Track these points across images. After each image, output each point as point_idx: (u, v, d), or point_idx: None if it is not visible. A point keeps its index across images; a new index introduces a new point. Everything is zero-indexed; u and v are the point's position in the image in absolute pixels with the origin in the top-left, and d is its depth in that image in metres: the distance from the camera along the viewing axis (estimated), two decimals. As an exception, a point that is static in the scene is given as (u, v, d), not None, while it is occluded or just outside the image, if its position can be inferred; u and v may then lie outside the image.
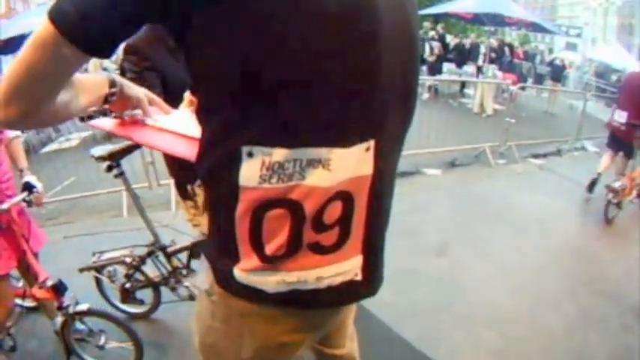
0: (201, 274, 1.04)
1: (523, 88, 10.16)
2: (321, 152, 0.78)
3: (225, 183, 0.81)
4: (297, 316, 0.95)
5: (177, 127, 1.02)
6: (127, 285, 2.56)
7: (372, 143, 0.83)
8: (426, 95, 11.40)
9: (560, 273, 3.53)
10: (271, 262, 0.84)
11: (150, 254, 2.49)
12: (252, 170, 0.77)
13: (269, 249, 0.83)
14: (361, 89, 0.79)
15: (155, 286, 2.63)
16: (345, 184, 0.82)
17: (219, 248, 0.91)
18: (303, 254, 0.85)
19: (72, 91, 0.84)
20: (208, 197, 0.90)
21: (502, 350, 2.63)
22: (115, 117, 1.10)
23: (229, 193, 0.81)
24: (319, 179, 0.79)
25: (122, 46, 2.19)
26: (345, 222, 0.86)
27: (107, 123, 1.12)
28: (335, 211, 0.84)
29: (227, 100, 0.76)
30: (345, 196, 0.83)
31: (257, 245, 0.83)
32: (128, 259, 2.49)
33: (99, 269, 2.54)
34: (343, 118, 0.79)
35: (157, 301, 2.72)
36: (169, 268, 2.54)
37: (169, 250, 2.49)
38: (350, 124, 0.80)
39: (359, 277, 0.93)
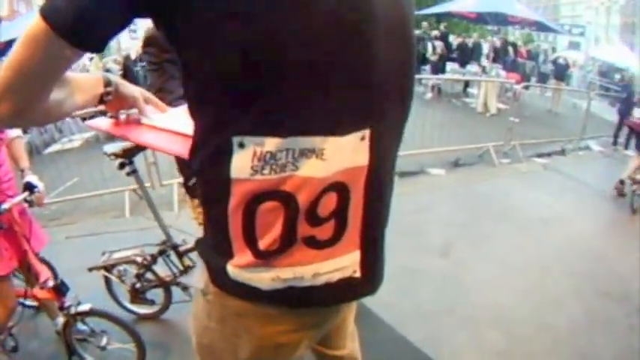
0: (197, 273, 1.03)
1: (527, 87, 10.12)
2: (315, 141, 0.76)
3: (217, 176, 0.79)
4: (294, 315, 0.93)
5: (173, 125, 1.02)
6: (138, 285, 2.54)
7: (367, 132, 0.81)
8: (429, 95, 11.38)
9: (566, 273, 3.51)
10: (265, 258, 0.83)
11: (161, 253, 2.47)
12: (244, 161, 0.76)
13: (262, 244, 0.81)
14: (354, 79, 0.78)
15: (166, 286, 2.61)
16: (340, 175, 0.80)
17: (212, 245, 0.90)
18: (297, 249, 0.83)
19: (66, 89, 0.84)
20: (201, 192, 0.89)
21: (506, 351, 2.61)
22: (111, 117, 1.10)
23: (221, 186, 0.79)
24: (313, 169, 0.77)
25: (142, 39, 2.24)
26: (340, 215, 0.84)
27: (103, 123, 1.13)
28: (330, 203, 0.82)
29: (217, 92, 0.75)
30: (340, 188, 0.82)
31: (250, 240, 0.82)
32: (139, 259, 2.47)
33: (108, 268, 2.52)
34: (336, 107, 0.77)
35: (168, 302, 2.69)
36: (181, 267, 2.51)
37: (181, 248, 2.47)
38: (343, 113, 0.78)
39: (357, 274, 0.91)
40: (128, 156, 2.10)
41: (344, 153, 0.79)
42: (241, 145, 0.75)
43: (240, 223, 0.81)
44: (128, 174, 2.19)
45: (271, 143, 0.74)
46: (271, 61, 0.71)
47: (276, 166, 0.76)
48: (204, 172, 0.84)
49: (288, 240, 0.81)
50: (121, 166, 2.14)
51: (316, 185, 0.79)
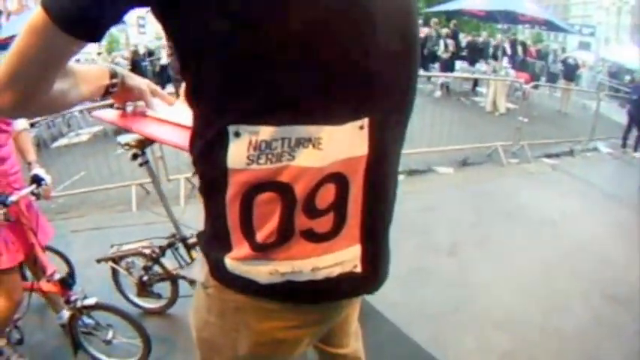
0: (197, 266, 1.02)
1: (536, 87, 10.05)
2: (311, 130, 0.75)
3: (215, 166, 0.79)
4: (293, 311, 0.91)
5: (179, 117, 1.02)
6: (145, 278, 2.54)
7: (365, 121, 0.79)
8: (438, 93, 11.33)
9: (573, 275, 3.47)
10: (263, 251, 0.81)
11: (170, 245, 2.48)
12: (240, 151, 0.75)
13: (260, 236, 0.80)
14: (351, 68, 0.76)
15: (173, 280, 2.61)
16: (338, 165, 0.79)
17: (212, 237, 0.89)
18: (295, 242, 0.81)
19: (70, 80, 0.85)
20: (200, 183, 0.88)
21: (512, 353, 2.58)
22: (118, 108, 1.10)
23: (219, 176, 0.79)
24: (310, 159, 0.76)
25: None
26: (339, 207, 0.82)
27: (109, 114, 1.13)
28: (328, 194, 0.80)
29: (213, 81, 0.74)
30: (338, 179, 0.80)
31: (248, 232, 0.81)
32: (147, 251, 2.47)
33: (116, 260, 2.53)
34: (332, 96, 0.75)
35: (175, 295, 2.69)
36: (189, 260, 2.51)
37: (190, 241, 2.47)
38: (340, 101, 0.77)
39: (358, 269, 0.89)
40: (142, 146, 2.11)
41: (342, 142, 0.78)
42: (237, 134, 0.74)
43: (238, 214, 0.80)
44: (141, 164, 2.21)
45: (266, 132, 0.73)
46: (266, 51, 0.70)
47: (272, 155, 0.75)
48: (202, 162, 0.84)
49: (285, 232, 0.80)
50: (134, 156, 2.14)
51: (313, 176, 0.77)
